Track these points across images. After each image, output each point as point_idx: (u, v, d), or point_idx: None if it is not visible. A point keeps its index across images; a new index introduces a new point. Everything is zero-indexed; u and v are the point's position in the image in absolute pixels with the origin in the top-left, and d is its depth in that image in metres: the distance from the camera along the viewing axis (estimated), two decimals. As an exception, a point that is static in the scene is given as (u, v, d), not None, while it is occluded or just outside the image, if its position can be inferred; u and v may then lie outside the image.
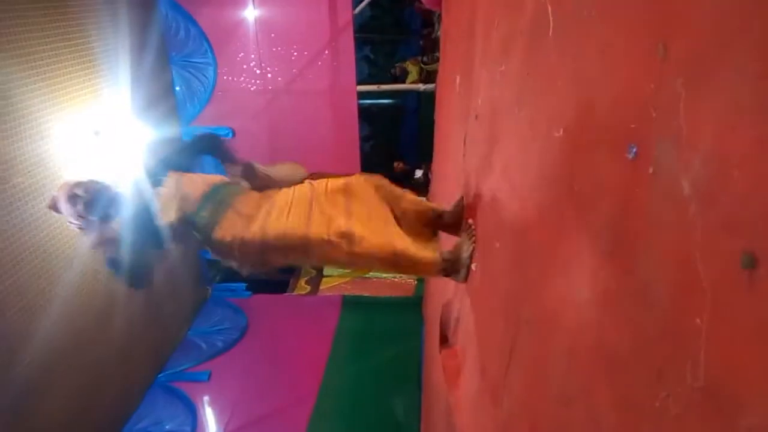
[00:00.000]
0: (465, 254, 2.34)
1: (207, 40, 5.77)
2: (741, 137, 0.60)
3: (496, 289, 2.00)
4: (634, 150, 0.86)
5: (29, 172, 3.73)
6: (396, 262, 2.23)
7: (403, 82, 7.46)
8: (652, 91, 0.82)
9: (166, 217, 2.29)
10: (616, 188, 0.94)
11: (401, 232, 2.31)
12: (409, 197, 2.51)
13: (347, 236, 2.16)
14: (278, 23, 5.95)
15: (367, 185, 2.44)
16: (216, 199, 2.31)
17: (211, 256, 2.38)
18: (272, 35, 5.94)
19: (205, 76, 5.88)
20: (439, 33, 6.27)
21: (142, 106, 4.92)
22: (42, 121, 3.83)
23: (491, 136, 2.18)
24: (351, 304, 6.79)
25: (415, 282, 7.16)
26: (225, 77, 5.97)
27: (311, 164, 3.00)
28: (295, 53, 6.04)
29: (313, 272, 7.69)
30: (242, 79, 6.03)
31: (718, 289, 0.62)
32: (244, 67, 6.02)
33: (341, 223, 2.19)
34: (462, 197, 2.61)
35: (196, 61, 5.86)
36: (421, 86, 6.82)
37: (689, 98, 0.72)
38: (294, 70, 6.07)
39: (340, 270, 7.62)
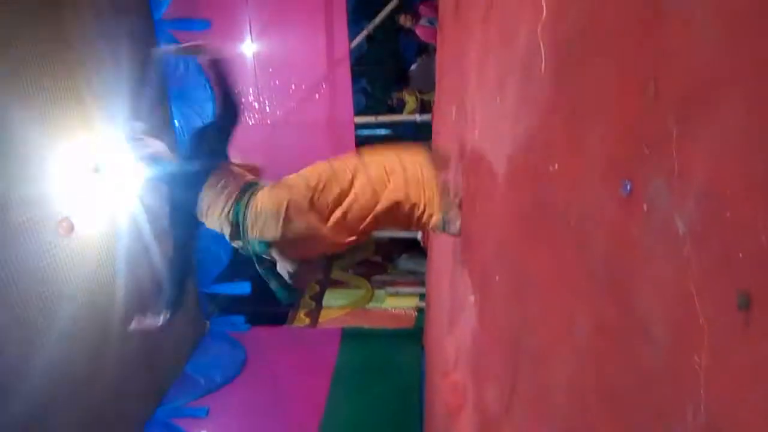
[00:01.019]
0: (453, 211, 2.63)
1: (205, 75, 5.84)
2: (732, 177, 0.61)
3: (496, 322, 1.98)
4: (628, 186, 0.87)
5: (29, 208, 3.73)
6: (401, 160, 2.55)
7: (401, 112, 7.53)
8: (645, 128, 0.83)
9: (211, 218, 2.50)
10: (612, 224, 0.94)
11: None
12: None
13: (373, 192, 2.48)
14: (276, 57, 6.03)
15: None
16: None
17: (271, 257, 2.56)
18: (270, 69, 6.02)
19: (204, 110, 5.94)
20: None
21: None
22: (41, 160, 3.85)
23: (488, 169, 2.19)
24: (351, 336, 6.73)
25: (416, 313, 7.11)
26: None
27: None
28: (293, 86, 6.10)
29: (312, 304, 7.65)
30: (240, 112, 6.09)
31: (716, 329, 0.62)
32: (243, 100, 6.08)
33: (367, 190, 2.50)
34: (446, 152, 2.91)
35: (194, 95, 5.92)
36: (417, 117, 6.88)
37: (681, 136, 0.73)
38: (292, 103, 6.14)
39: (340, 302, 7.58)
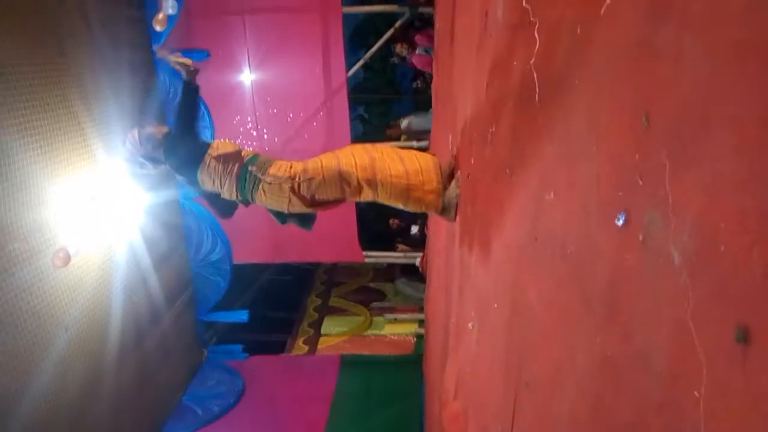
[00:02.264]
0: (453, 196, 2.85)
1: (204, 104, 5.90)
2: (725, 210, 0.61)
3: (496, 350, 1.97)
4: (623, 217, 0.87)
5: (25, 238, 3.73)
6: (408, 190, 2.79)
7: (398, 139, 7.59)
8: (638, 159, 0.84)
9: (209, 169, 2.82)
10: (608, 254, 0.95)
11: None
12: None
13: (371, 165, 2.76)
14: (274, 86, 6.10)
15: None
16: (257, 162, 2.85)
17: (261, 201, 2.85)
18: (268, 98, 6.08)
19: (202, 136, 5.98)
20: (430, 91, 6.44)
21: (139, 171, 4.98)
22: (39, 187, 3.86)
23: (486, 194, 2.20)
24: (350, 363, 6.66)
25: (415, 340, 7.06)
26: (222, 139, 6.07)
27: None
28: (291, 115, 6.16)
29: (311, 332, 7.59)
30: (239, 141, 6.13)
31: (714, 362, 0.62)
32: (241, 129, 6.12)
33: (364, 157, 2.80)
34: (453, 157, 3.09)
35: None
36: (415, 143, 6.93)
37: (674, 169, 0.74)
38: (290, 131, 6.18)
39: (339, 329, 7.53)
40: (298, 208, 2.83)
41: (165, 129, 2.89)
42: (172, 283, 5.82)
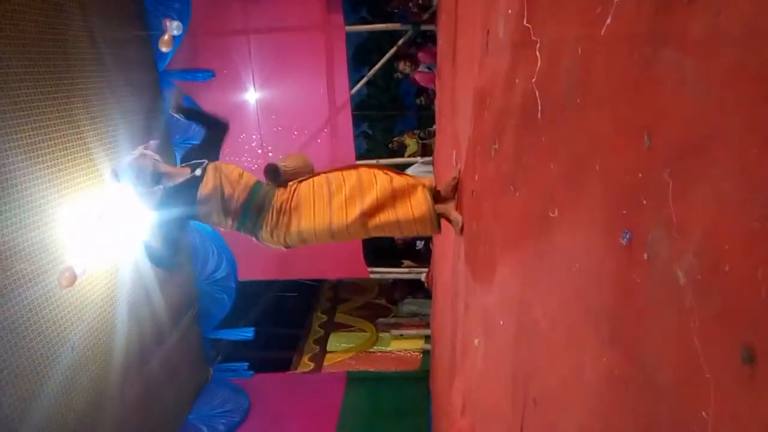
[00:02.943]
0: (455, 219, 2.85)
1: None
2: (729, 230, 0.62)
3: (502, 367, 1.96)
4: (628, 236, 0.88)
5: (32, 258, 3.74)
6: (400, 226, 2.77)
7: (402, 155, 7.62)
8: (641, 179, 0.84)
9: (204, 210, 2.69)
10: (614, 272, 0.95)
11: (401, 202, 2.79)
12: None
13: (361, 219, 2.70)
14: (279, 104, 6.15)
15: (374, 171, 2.89)
16: (255, 205, 2.72)
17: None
18: (273, 116, 6.13)
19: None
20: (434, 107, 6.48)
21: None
22: (45, 207, 3.89)
23: (490, 211, 2.21)
24: (356, 380, 6.63)
25: (421, 356, 7.02)
26: (227, 157, 6.10)
27: None
28: (296, 132, 6.20)
29: (316, 348, 7.57)
30: (244, 158, 6.17)
31: (721, 383, 0.62)
32: (246, 147, 6.16)
33: (356, 210, 2.70)
34: (457, 175, 3.03)
35: (198, 143, 6.00)
36: (419, 159, 6.96)
37: (677, 188, 0.74)
38: (295, 149, 6.21)
39: (344, 346, 7.51)
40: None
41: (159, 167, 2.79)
42: (178, 301, 5.83)
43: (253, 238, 2.86)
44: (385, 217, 2.74)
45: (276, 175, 2.83)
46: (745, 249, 0.59)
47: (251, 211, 2.73)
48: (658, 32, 0.80)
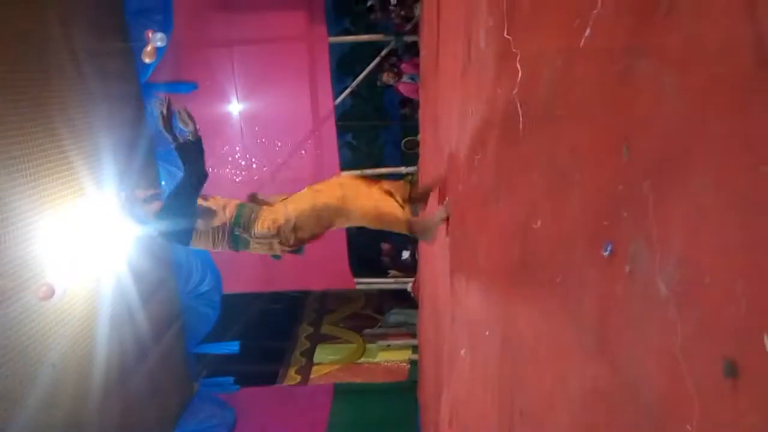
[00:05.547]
0: (435, 219, 3.05)
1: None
2: (708, 243, 0.62)
3: (489, 378, 1.95)
4: (609, 248, 0.88)
5: (11, 274, 3.67)
6: (379, 215, 2.95)
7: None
8: (621, 191, 0.84)
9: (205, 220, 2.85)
10: (596, 284, 0.95)
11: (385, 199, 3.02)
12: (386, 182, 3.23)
13: (342, 197, 2.91)
14: (262, 116, 6.13)
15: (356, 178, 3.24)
16: (242, 216, 2.89)
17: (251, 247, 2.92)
18: (256, 128, 6.11)
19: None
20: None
21: (127, 203, 4.94)
22: (25, 222, 3.82)
23: (474, 221, 2.21)
24: (343, 392, 6.59)
25: (409, 366, 7.00)
26: (211, 169, 6.03)
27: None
28: (279, 144, 6.18)
29: (303, 361, 7.50)
30: (228, 170, 6.13)
31: (704, 396, 0.62)
32: (230, 159, 6.13)
33: (337, 191, 2.96)
34: (437, 179, 3.26)
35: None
36: (403, 169, 6.97)
37: (657, 200, 0.74)
38: (279, 160, 6.20)
39: (331, 357, 7.46)
40: (288, 250, 2.98)
41: (152, 191, 2.95)
42: (161, 316, 5.75)
43: (248, 248, 2.92)
44: (365, 198, 2.96)
45: (256, 200, 3.03)
46: (725, 261, 0.59)
47: (242, 219, 2.87)
48: (636, 45, 0.80)
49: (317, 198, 2.93)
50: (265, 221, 2.85)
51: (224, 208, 2.89)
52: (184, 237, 2.87)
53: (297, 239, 2.90)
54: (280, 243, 2.88)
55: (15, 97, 3.84)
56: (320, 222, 2.93)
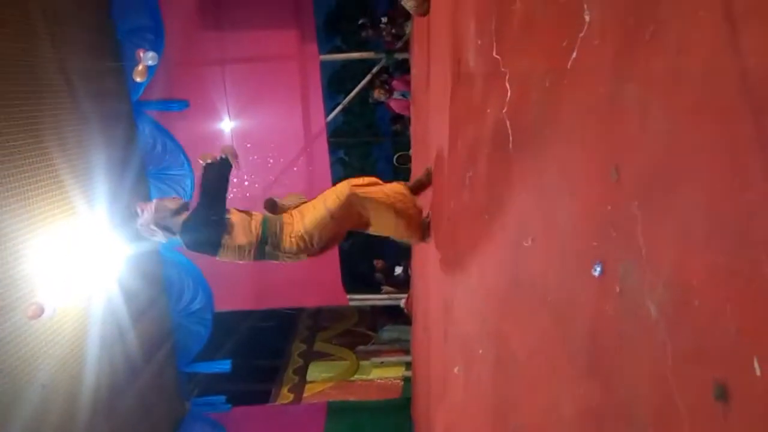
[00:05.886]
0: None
1: (184, 153, 5.90)
2: (697, 265, 0.62)
3: (483, 396, 1.94)
4: (600, 267, 0.88)
5: (2, 294, 3.64)
6: (400, 208, 3.00)
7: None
8: (610, 211, 0.85)
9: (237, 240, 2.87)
10: (588, 304, 0.95)
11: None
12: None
13: (350, 190, 2.92)
14: (254, 133, 6.14)
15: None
16: (270, 231, 2.92)
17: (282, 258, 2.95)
18: (248, 145, 6.11)
19: (182, 187, 5.96)
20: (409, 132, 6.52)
21: (119, 220, 4.92)
22: (16, 241, 3.79)
23: (466, 238, 2.21)
24: (336, 410, 6.52)
25: (402, 383, 6.95)
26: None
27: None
28: (271, 161, 6.18)
29: (296, 379, 7.44)
30: (220, 187, 6.11)
31: (696, 420, 0.62)
32: (221, 176, 6.11)
33: (344, 187, 2.96)
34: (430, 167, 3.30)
35: (173, 173, 5.95)
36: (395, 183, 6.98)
37: (645, 221, 0.75)
38: (271, 177, 6.19)
39: (324, 375, 7.40)
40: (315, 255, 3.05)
41: (181, 201, 2.92)
42: (152, 334, 5.70)
43: (278, 253, 2.95)
44: (374, 190, 2.99)
45: (274, 207, 3.07)
46: (714, 284, 0.59)
47: (269, 236, 2.90)
48: (622, 68, 0.81)
49: (327, 201, 2.96)
50: (292, 238, 2.90)
51: (250, 224, 2.91)
52: (211, 248, 2.87)
53: (322, 246, 2.96)
54: (308, 255, 2.96)
55: (7, 116, 3.83)
56: (342, 222, 2.97)
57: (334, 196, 2.96)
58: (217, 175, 2.82)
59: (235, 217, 2.87)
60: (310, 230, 2.90)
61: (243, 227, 2.87)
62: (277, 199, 3.14)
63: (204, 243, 2.85)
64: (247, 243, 2.85)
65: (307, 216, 2.95)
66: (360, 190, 2.96)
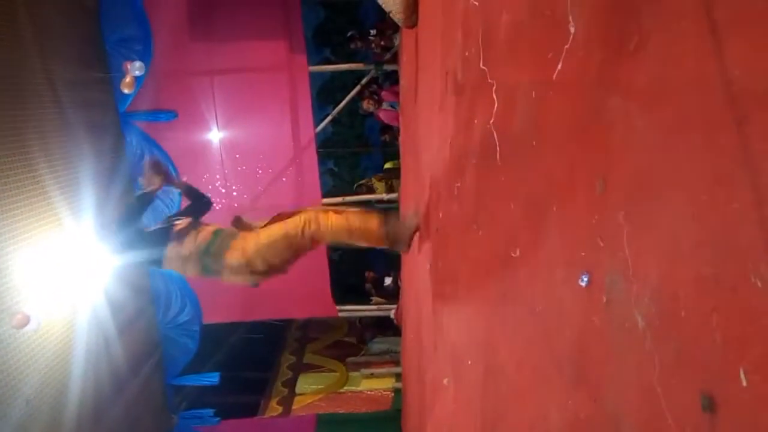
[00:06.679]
0: (408, 225, 3.08)
1: (172, 164, 5.87)
2: (682, 275, 0.62)
3: (472, 407, 1.93)
4: (587, 278, 0.88)
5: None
6: (350, 231, 2.96)
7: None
8: (596, 222, 0.85)
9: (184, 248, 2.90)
10: (575, 315, 0.95)
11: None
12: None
13: (312, 219, 2.91)
14: (242, 144, 6.12)
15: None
16: (216, 242, 2.94)
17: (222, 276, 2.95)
18: (237, 155, 6.09)
19: (170, 198, 5.91)
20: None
21: (107, 232, 4.87)
22: (1, 253, 3.74)
23: (455, 249, 2.21)
24: (326, 422, 6.47)
25: (392, 395, 6.91)
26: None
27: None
28: (260, 171, 6.16)
29: (285, 391, 7.37)
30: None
31: (684, 430, 0.61)
32: (210, 187, 6.08)
33: (309, 213, 2.96)
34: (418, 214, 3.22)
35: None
36: (385, 196, 6.98)
37: (632, 232, 0.75)
38: (259, 187, 6.17)
39: (314, 387, 7.34)
40: (260, 278, 3.01)
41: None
42: (139, 348, 5.63)
43: (220, 277, 2.95)
44: (335, 216, 2.97)
45: (239, 223, 3.06)
46: (699, 295, 0.59)
47: (214, 246, 2.90)
48: (607, 80, 0.81)
49: (288, 225, 2.93)
50: (235, 251, 2.87)
51: (198, 234, 2.93)
52: (155, 263, 2.97)
53: (268, 266, 2.91)
54: (251, 272, 2.90)
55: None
56: (290, 247, 2.94)
57: (294, 222, 2.95)
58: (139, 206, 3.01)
59: (196, 228, 2.96)
60: (260, 245, 2.87)
61: (193, 237, 2.91)
62: (245, 219, 3.14)
63: (144, 256, 2.95)
64: (187, 252, 2.88)
65: (264, 233, 2.93)
66: (321, 223, 2.94)
